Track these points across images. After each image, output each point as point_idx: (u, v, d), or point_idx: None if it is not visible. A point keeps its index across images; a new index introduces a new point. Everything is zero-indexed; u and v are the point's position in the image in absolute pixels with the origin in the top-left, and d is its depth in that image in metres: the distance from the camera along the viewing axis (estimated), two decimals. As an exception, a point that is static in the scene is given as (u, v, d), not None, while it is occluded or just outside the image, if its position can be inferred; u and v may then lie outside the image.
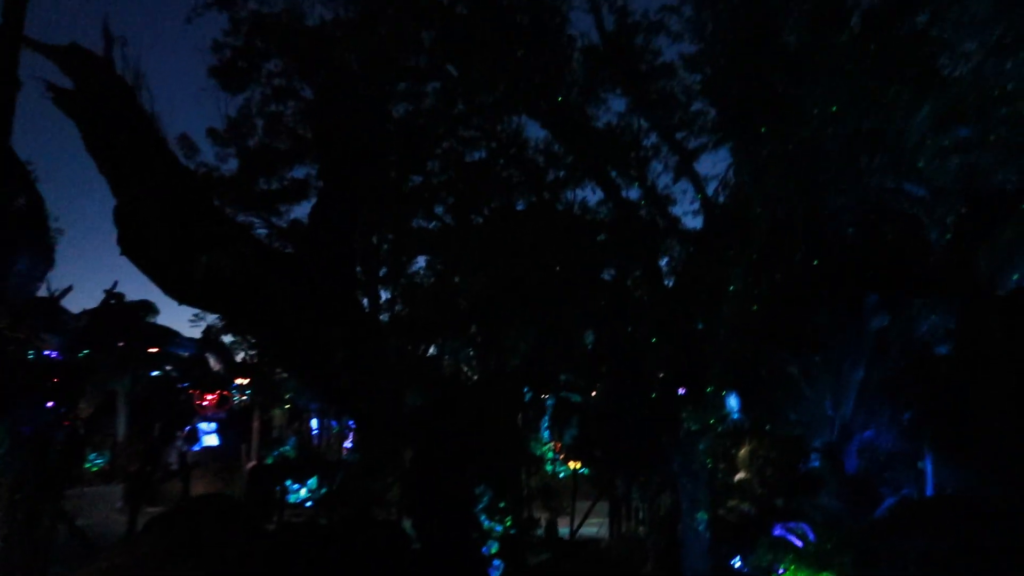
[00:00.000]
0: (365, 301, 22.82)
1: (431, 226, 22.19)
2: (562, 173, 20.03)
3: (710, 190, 19.32)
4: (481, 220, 20.70)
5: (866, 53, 13.77)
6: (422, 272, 25.00)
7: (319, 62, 18.04)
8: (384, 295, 24.48)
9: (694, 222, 20.17)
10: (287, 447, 34.66)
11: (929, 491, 13.30)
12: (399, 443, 18.75)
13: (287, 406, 36.72)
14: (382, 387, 17.52)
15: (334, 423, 36.92)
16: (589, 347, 19.33)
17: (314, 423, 38.31)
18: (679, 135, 19.69)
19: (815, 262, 14.31)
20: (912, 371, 13.33)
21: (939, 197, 12.36)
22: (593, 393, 19.62)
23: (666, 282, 19.18)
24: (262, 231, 21.54)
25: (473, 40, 18.45)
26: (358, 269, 22.02)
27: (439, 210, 21.69)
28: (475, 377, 24.35)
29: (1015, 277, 10.21)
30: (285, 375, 32.67)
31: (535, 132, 20.69)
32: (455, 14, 17.94)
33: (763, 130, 15.37)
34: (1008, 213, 11.15)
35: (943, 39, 13.57)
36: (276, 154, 21.12)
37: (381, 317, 23.54)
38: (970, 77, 12.57)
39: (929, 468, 13.29)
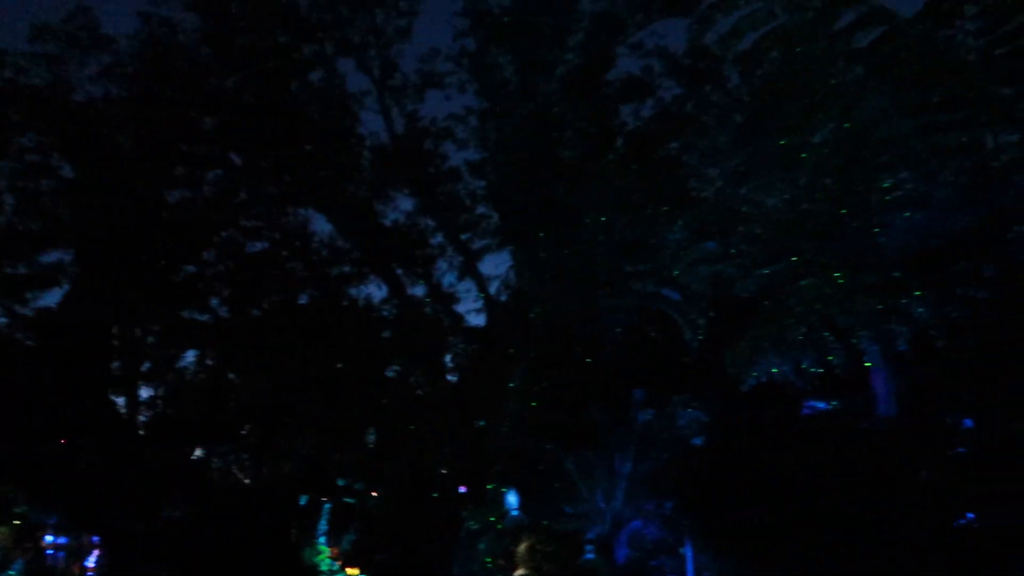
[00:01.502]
0: (122, 400, 20.66)
1: (204, 319, 20.86)
2: (347, 268, 19.85)
3: (493, 289, 20.06)
4: (260, 314, 19.83)
5: (630, 171, 15.27)
6: (192, 368, 23.24)
7: (83, 139, 16.76)
8: (146, 393, 22.35)
9: (477, 320, 20.74)
10: (11, 572, 29.60)
11: (690, 576, 14.18)
12: (153, 562, 16.82)
13: (16, 522, 31.55)
14: (136, 497, 15.80)
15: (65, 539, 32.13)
16: (370, 447, 18.80)
17: (49, 538, 33.17)
18: (464, 236, 20.39)
19: (588, 360, 15.15)
20: (672, 463, 14.32)
21: (692, 302, 13.65)
22: (374, 494, 18.98)
23: (450, 379, 19.33)
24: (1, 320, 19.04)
25: (259, 130, 18.15)
26: (115, 364, 20.03)
27: (215, 302, 20.50)
28: (247, 482, 22.67)
29: (755, 375, 11.38)
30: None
31: (322, 226, 20.55)
32: (241, 102, 17.61)
33: (541, 235, 16.34)
34: (747, 319, 12.44)
35: (692, 164, 15.40)
36: (26, 235, 19.01)
37: (140, 418, 21.39)
38: (714, 199, 14.25)
39: (689, 554, 14.17)
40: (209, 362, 21.92)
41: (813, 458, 12.08)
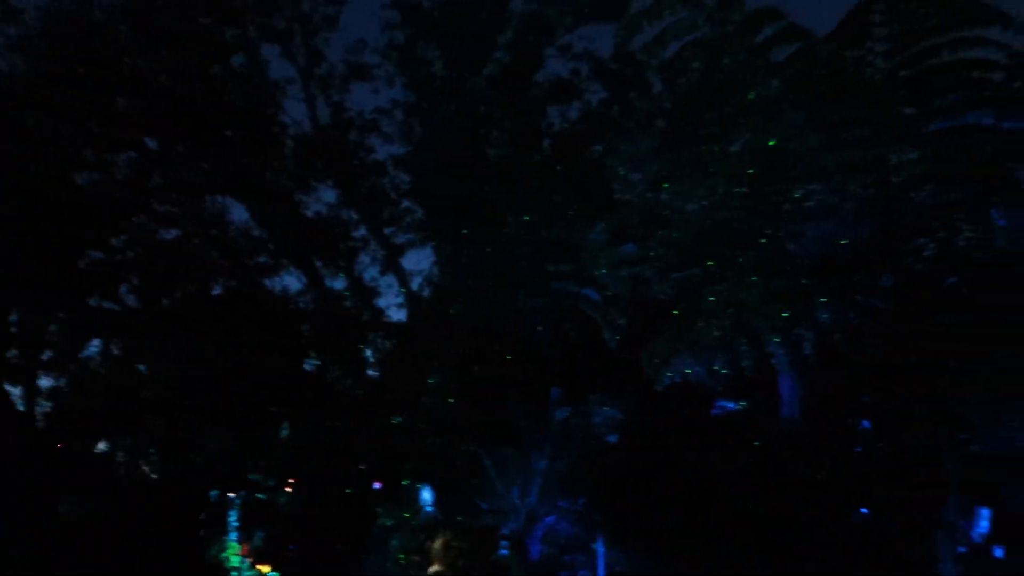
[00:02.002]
0: (17, 390, 19.63)
1: (113, 307, 20.02)
2: (264, 259, 19.40)
3: (415, 285, 19.96)
4: (171, 304, 19.17)
5: (555, 172, 15.45)
6: (98, 358, 22.26)
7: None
8: (46, 383, 21.29)
9: (399, 315, 20.59)
10: None
11: (601, 572, 14.44)
12: (46, 564, 16.06)
13: None
14: (31, 493, 15.06)
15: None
16: (284, 441, 18.44)
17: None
18: (387, 230, 20.22)
19: (508, 358, 15.26)
20: (587, 460, 14.57)
21: (612, 303, 13.92)
22: (288, 489, 18.62)
23: (369, 373, 19.15)
24: None
25: (177, 114, 17.56)
26: (12, 352, 19.06)
27: (124, 290, 19.70)
28: (154, 477, 21.88)
29: (669, 375, 11.69)
30: None
31: (240, 214, 20.02)
32: (158, 84, 16.99)
33: (465, 232, 16.35)
34: (664, 321, 12.76)
35: (615, 168, 15.68)
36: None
37: (39, 409, 20.38)
38: (635, 202, 14.56)
39: (601, 550, 14.45)
40: (116, 352, 21.06)
41: (721, 457, 12.51)
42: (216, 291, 19.55)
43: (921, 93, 11.03)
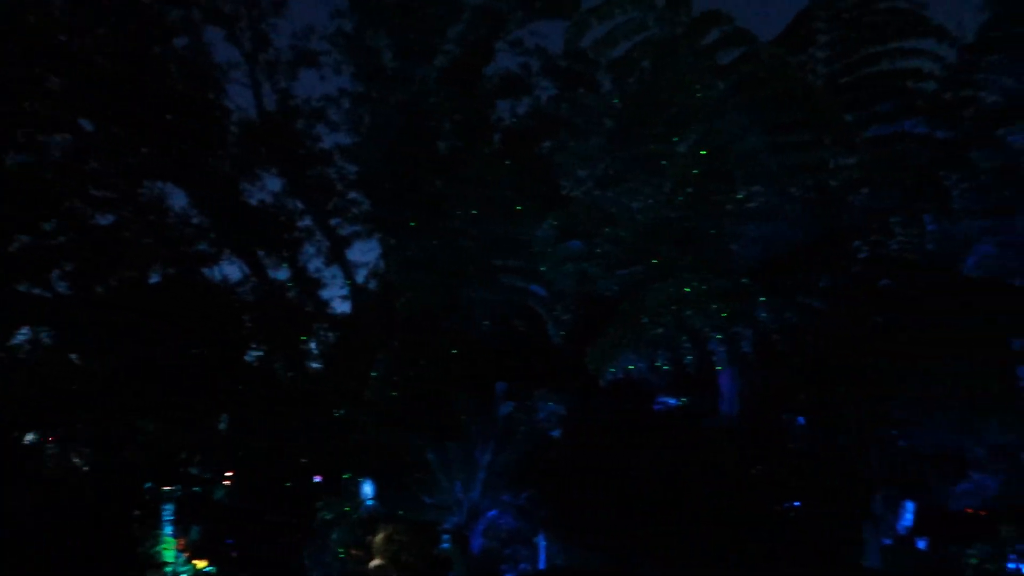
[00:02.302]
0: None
1: (43, 294, 19.28)
2: (204, 247, 18.92)
3: (360, 277, 19.75)
4: (106, 291, 18.55)
5: (503, 167, 15.46)
6: (27, 347, 21.43)
7: None
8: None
9: (343, 307, 20.34)
10: None
11: (541, 565, 14.58)
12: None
13: None
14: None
15: None
16: (223, 434, 18.06)
17: None
18: (333, 221, 19.95)
19: (454, 352, 15.23)
20: (531, 455, 14.67)
21: (557, 298, 14.01)
22: (226, 483, 18.24)
23: (313, 366, 18.89)
24: None
25: (115, 95, 16.97)
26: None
27: (55, 275, 18.98)
28: (85, 470, 21.19)
29: (612, 370, 11.82)
30: None
31: (180, 201, 19.48)
32: (95, 63, 16.39)
33: (412, 225, 16.24)
34: (608, 317, 12.91)
35: (563, 165, 15.78)
36: None
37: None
38: (583, 199, 14.67)
39: (542, 544, 14.58)
40: (47, 341, 20.31)
41: (662, 452, 12.73)
42: (153, 279, 18.98)
43: (859, 99, 11.38)
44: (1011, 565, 13.41)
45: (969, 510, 14.29)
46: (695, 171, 11.50)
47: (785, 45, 11.47)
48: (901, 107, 11.33)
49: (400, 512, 14.50)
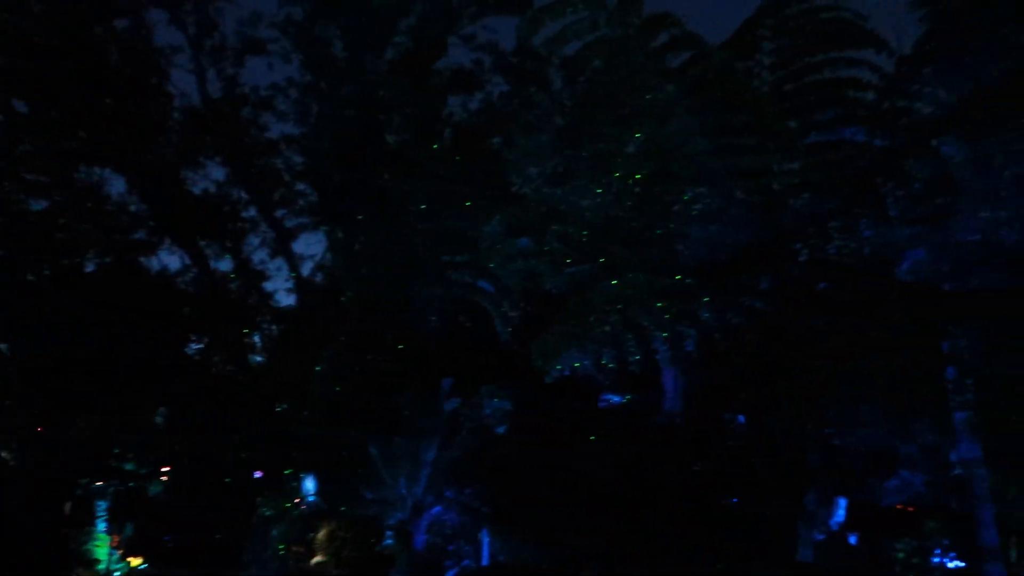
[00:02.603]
0: None
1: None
2: (142, 235, 18.43)
3: (306, 270, 19.48)
4: (38, 280, 17.90)
5: (454, 162, 15.40)
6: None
7: None
8: None
9: (288, 299, 20.04)
10: None
11: (485, 561, 14.60)
12: None
13: None
14: None
15: None
16: (159, 428, 17.63)
17: None
18: (279, 212, 19.64)
19: (400, 347, 15.13)
20: (475, 450, 14.67)
21: (505, 295, 14.02)
22: (162, 478, 17.80)
23: (256, 359, 18.57)
24: None
25: (52, 77, 16.39)
26: None
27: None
28: (13, 465, 20.43)
29: (558, 367, 11.87)
30: None
31: (119, 187, 18.90)
32: (31, 43, 15.80)
33: (360, 218, 16.07)
34: (555, 314, 12.98)
35: (513, 161, 15.79)
36: None
37: None
38: (532, 196, 14.72)
39: (486, 540, 14.60)
40: (-27, 330, 19.51)
41: (606, 448, 12.87)
42: (89, 268, 18.40)
43: (801, 106, 11.64)
44: (936, 559, 13.97)
45: (898, 506, 14.83)
46: (643, 171, 11.62)
47: (732, 50, 11.66)
48: (841, 115, 11.61)
49: (342, 508, 14.36)
